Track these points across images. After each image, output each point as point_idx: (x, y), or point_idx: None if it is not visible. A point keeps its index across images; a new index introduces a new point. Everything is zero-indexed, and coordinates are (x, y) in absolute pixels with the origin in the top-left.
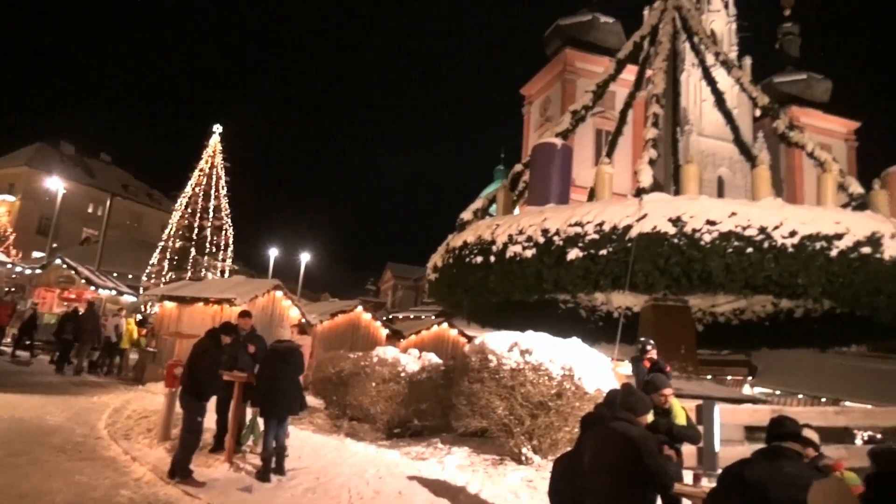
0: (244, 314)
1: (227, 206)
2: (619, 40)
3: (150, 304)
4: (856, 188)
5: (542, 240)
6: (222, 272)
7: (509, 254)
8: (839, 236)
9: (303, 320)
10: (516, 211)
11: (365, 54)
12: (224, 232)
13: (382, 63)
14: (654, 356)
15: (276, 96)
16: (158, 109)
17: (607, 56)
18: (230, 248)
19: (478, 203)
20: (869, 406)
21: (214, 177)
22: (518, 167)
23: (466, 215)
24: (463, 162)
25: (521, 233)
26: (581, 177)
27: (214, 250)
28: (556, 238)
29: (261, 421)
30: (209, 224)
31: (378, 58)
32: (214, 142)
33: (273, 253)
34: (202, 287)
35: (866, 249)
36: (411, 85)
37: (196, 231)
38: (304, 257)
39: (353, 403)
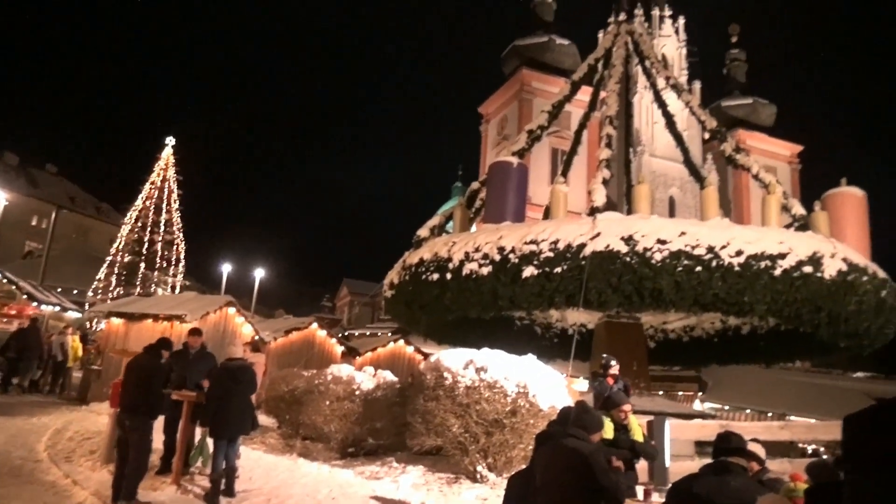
0: (194, 331)
1: (179, 220)
2: (575, 62)
3: (95, 320)
4: (798, 209)
5: (497, 257)
6: (173, 288)
7: (465, 271)
8: (782, 256)
9: (256, 337)
10: (473, 228)
11: (322, 68)
12: (175, 246)
13: (340, 78)
14: (617, 373)
15: (232, 109)
16: (109, 120)
17: (563, 77)
18: (181, 264)
19: (435, 220)
20: (812, 420)
21: (166, 190)
22: (475, 185)
23: (423, 232)
24: (421, 178)
25: (477, 250)
26: (537, 195)
27: (165, 265)
28: (511, 256)
29: (210, 441)
30: (160, 238)
31: (335, 72)
32: (167, 154)
33: (226, 268)
34: (151, 303)
35: (808, 269)
36: (370, 100)
37: (146, 245)
38: (259, 273)
39: (307, 422)
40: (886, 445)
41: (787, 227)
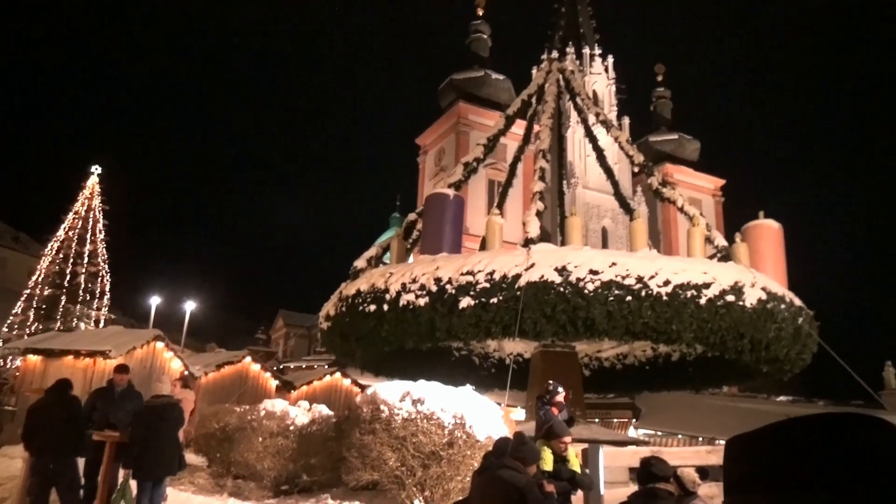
0: (120, 368)
1: (104, 251)
2: (510, 96)
3: (10, 357)
4: (720, 241)
5: (434, 288)
6: (97, 322)
7: (402, 302)
8: (707, 285)
9: (186, 372)
10: (410, 259)
11: (259, 97)
12: (100, 279)
13: (276, 108)
14: (562, 401)
15: (164, 137)
16: (28, 146)
17: (499, 110)
18: (106, 296)
19: (372, 251)
20: None
21: (91, 220)
22: (412, 216)
23: (360, 263)
24: (358, 209)
25: (414, 281)
26: (475, 225)
27: (88, 298)
28: (448, 287)
29: (133, 483)
30: (83, 270)
31: (272, 102)
32: (93, 182)
33: (155, 301)
34: (73, 338)
35: (730, 297)
36: (307, 129)
37: (68, 278)
38: (189, 305)
39: (239, 460)
40: (760, 470)
41: (711, 257)
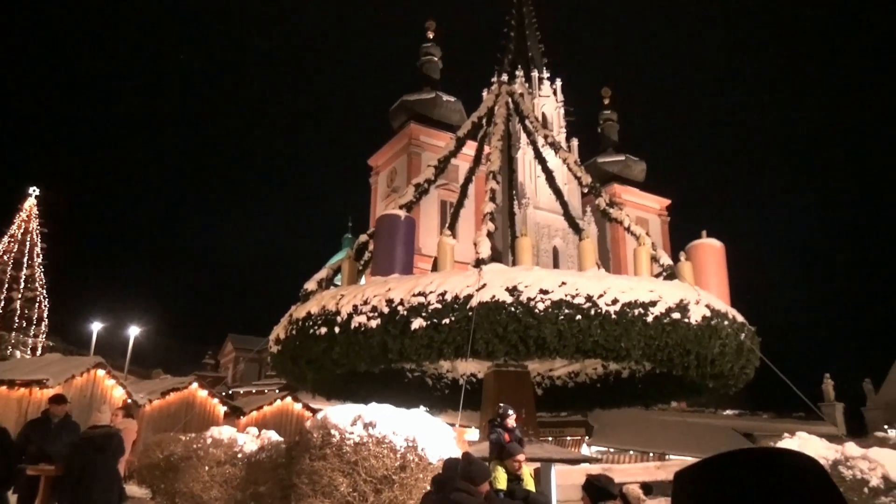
0: (56, 398)
1: (42, 275)
2: (461, 117)
3: None
4: (666, 260)
5: (386, 310)
6: (34, 350)
7: (354, 324)
8: (653, 303)
9: (129, 401)
10: (362, 281)
11: (205, 117)
12: (38, 304)
13: (225, 128)
14: (513, 423)
15: (107, 157)
16: None
17: (450, 132)
18: (44, 323)
19: (322, 273)
20: (688, 459)
21: (28, 243)
22: (363, 237)
23: (311, 285)
24: (310, 230)
25: (365, 303)
26: (427, 245)
27: (25, 325)
28: (400, 308)
29: None
30: (19, 296)
31: (219, 121)
32: (30, 205)
33: (96, 326)
34: (8, 367)
35: (676, 315)
36: (257, 149)
37: (3, 304)
38: (133, 330)
39: (184, 491)
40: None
41: (657, 276)
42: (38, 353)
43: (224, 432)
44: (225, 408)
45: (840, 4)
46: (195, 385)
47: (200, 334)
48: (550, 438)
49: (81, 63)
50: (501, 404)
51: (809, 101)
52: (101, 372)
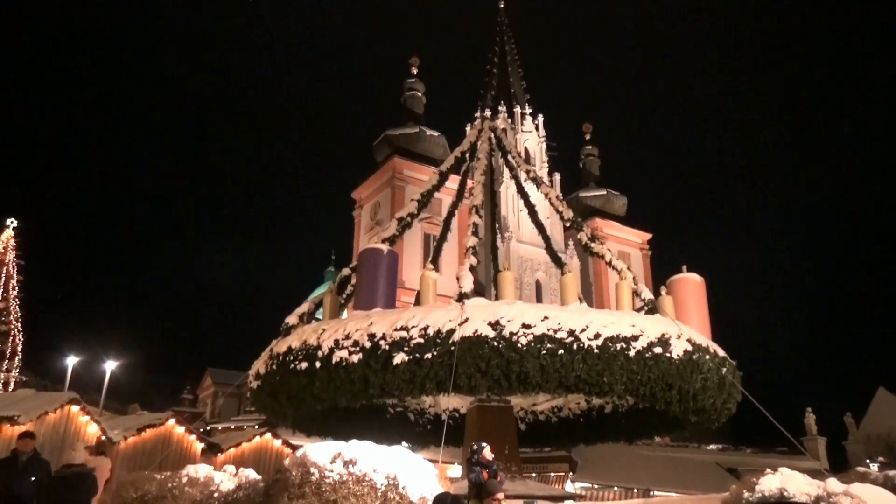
0: (25, 435)
1: (17, 308)
2: (444, 151)
3: None
4: (647, 294)
5: (368, 344)
6: (6, 385)
7: (335, 359)
8: (635, 338)
9: (102, 438)
10: (344, 315)
11: (186, 150)
12: (11, 338)
13: (206, 159)
14: (490, 455)
15: (85, 191)
16: None
17: (433, 166)
18: (18, 357)
19: (304, 307)
20: (672, 494)
21: (4, 275)
22: (346, 271)
23: (292, 319)
24: (293, 263)
25: (347, 337)
26: (410, 279)
27: None
28: (382, 342)
29: None
30: None
31: (201, 154)
32: (7, 236)
33: (71, 361)
34: None
35: (658, 349)
36: (240, 182)
37: None
38: (110, 365)
39: None
40: None
41: (639, 310)
42: (11, 388)
43: (200, 470)
44: (202, 445)
45: (815, 42)
46: (172, 421)
47: (179, 369)
48: (534, 475)
49: (61, 96)
50: (474, 443)
51: (792, 137)
52: (75, 408)
